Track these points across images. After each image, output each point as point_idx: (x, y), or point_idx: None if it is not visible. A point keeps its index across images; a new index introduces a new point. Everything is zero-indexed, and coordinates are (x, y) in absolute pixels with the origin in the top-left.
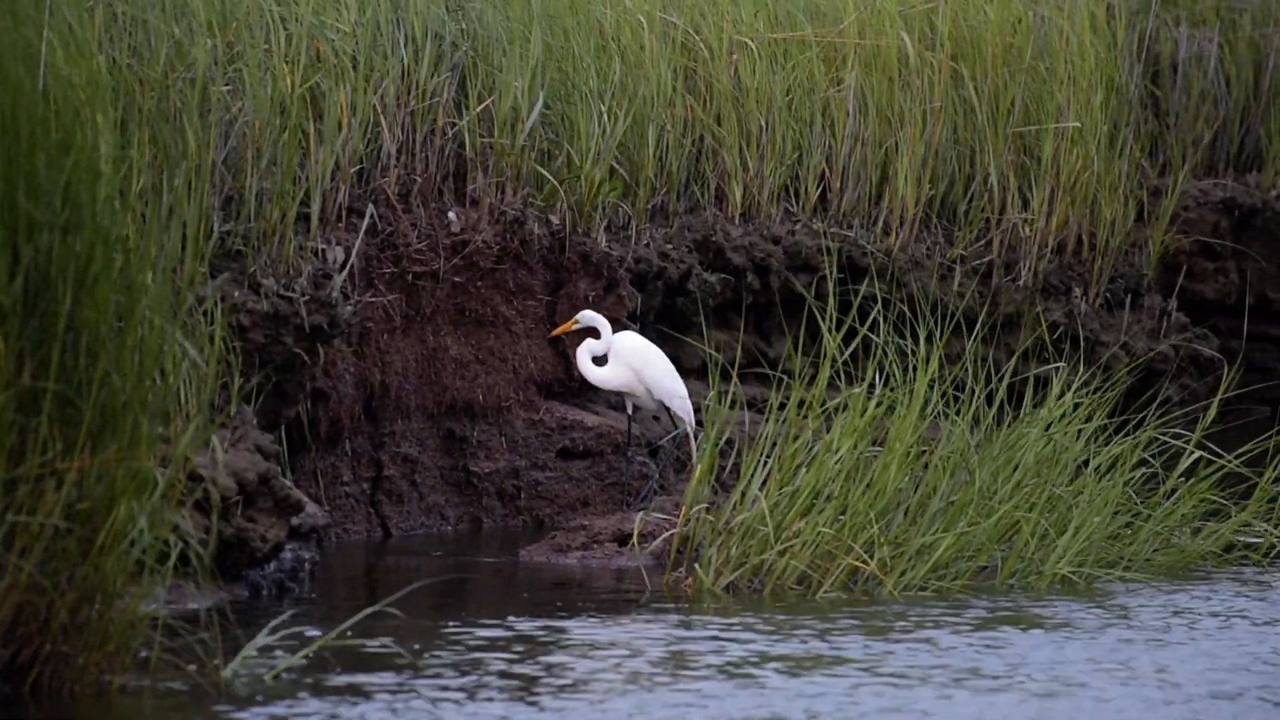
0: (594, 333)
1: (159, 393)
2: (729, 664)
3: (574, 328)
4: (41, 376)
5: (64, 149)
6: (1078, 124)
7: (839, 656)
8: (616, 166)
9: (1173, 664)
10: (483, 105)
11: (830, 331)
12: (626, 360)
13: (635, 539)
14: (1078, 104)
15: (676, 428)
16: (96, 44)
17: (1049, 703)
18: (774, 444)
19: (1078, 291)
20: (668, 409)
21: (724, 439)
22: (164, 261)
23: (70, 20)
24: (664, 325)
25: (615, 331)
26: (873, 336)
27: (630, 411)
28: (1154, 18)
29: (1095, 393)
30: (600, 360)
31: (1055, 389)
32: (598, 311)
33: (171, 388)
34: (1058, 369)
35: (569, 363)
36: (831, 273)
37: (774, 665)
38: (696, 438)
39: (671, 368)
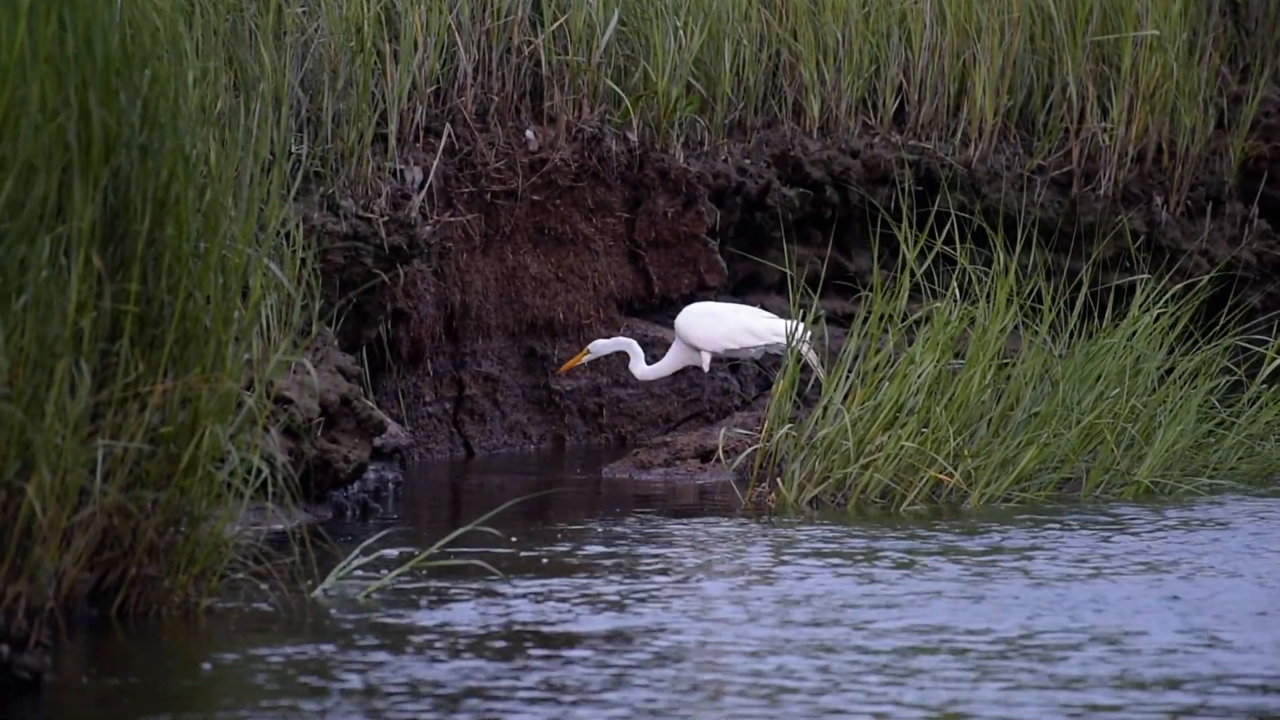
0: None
1: (242, 315)
2: (828, 563)
3: (585, 359)
4: (122, 300)
5: (142, 68)
6: (1156, 32)
7: (954, 547)
8: (693, 82)
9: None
10: (558, 23)
11: (907, 245)
12: (680, 334)
13: (720, 454)
14: (1156, 11)
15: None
16: None
17: (1183, 585)
18: (856, 358)
19: (1158, 200)
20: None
21: (805, 354)
22: (245, 183)
23: None
24: (743, 241)
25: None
26: (950, 251)
27: (707, 368)
28: None
29: (1176, 301)
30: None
31: (1137, 298)
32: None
33: (254, 310)
34: (1140, 278)
35: (649, 279)
36: (915, 187)
37: (885, 560)
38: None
39: (729, 310)
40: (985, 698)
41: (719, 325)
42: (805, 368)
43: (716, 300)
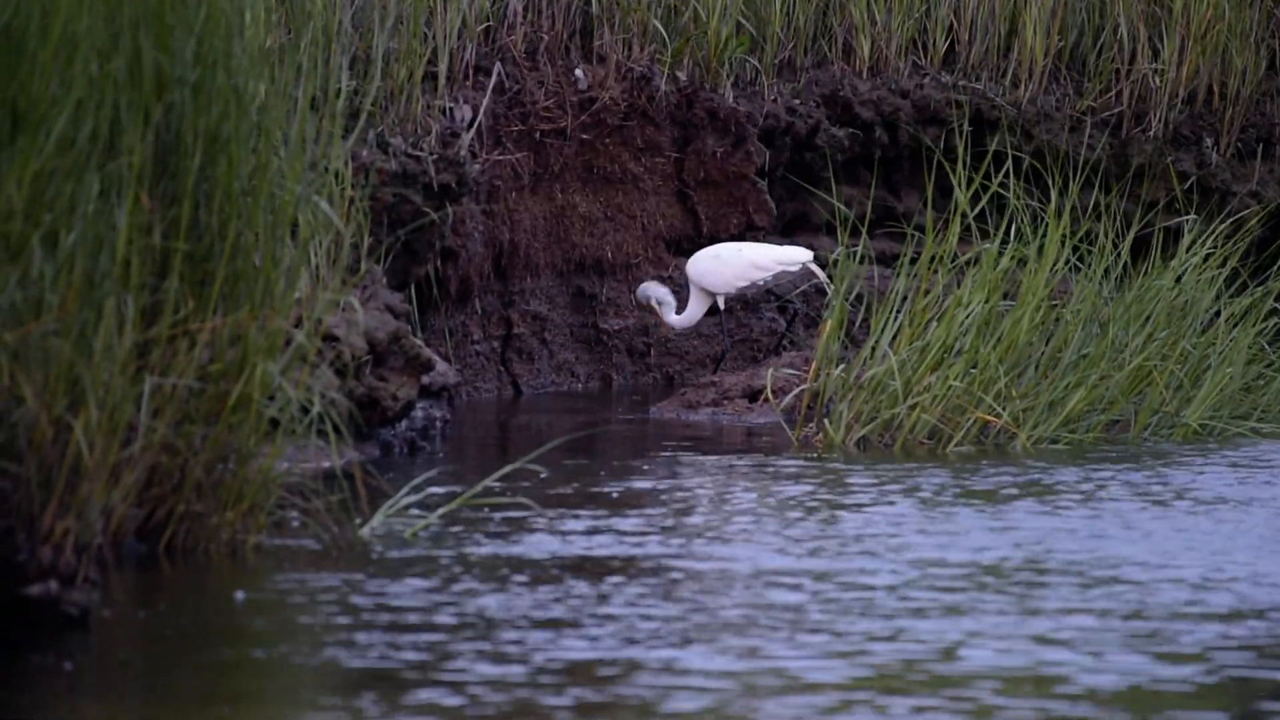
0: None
1: (292, 253)
2: (875, 498)
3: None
4: (172, 236)
5: (197, 4)
6: None
7: (1031, 484)
8: (743, 22)
9: None
10: None
11: (960, 186)
12: (691, 280)
13: (768, 393)
14: None
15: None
16: None
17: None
18: (904, 299)
19: (1209, 142)
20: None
21: (854, 294)
22: (296, 121)
23: None
24: (791, 181)
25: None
26: (1002, 191)
27: (724, 306)
28: None
29: (1225, 243)
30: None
31: (1185, 239)
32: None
33: (305, 247)
34: (1189, 220)
35: (698, 219)
36: (962, 127)
37: (962, 499)
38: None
39: (733, 250)
40: (1037, 628)
41: (725, 268)
42: (853, 308)
43: (765, 240)
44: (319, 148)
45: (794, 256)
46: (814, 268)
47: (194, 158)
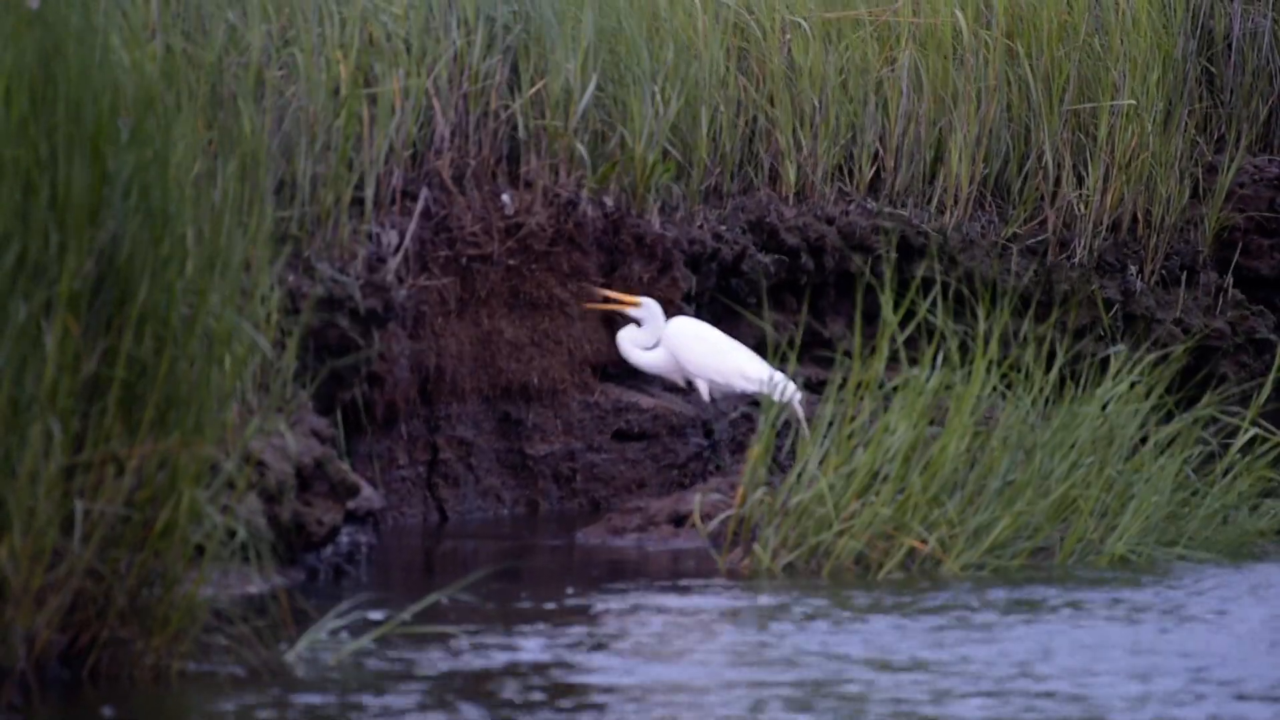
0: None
1: (223, 379)
2: (800, 626)
3: (629, 309)
4: (107, 363)
5: (131, 135)
6: (1133, 101)
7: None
8: (669, 148)
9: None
10: (535, 88)
11: (888, 310)
12: (666, 344)
13: (696, 518)
14: (1133, 81)
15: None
16: (151, 29)
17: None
18: (831, 424)
19: (1133, 269)
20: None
21: (780, 420)
22: (234, 247)
23: (125, 4)
24: (719, 307)
25: (670, 317)
26: (930, 318)
27: (708, 397)
28: None
29: (1151, 371)
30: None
31: (1112, 367)
32: (650, 292)
33: (236, 374)
34: (1116, 350)
35: None
36: (890, 254)
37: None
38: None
39: (728, 345)
40: None
41: (712, 357)
42: (780, 433)
43: None
44: (251, 275)
45: (785, 385)
46: (798, 407)
47: (139, 285)
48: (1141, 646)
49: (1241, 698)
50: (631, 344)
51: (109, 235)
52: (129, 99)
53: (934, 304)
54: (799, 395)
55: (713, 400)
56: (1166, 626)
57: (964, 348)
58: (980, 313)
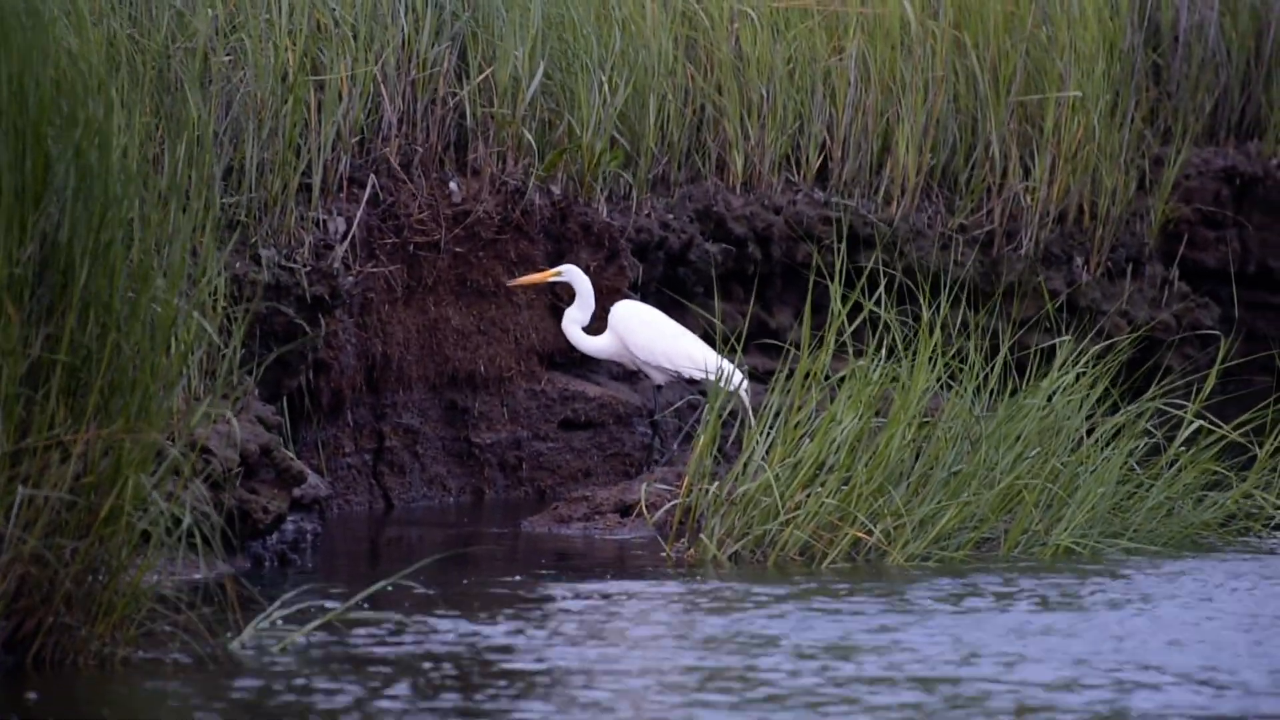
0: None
1: (168, 365)
2: (744, 615)
3: (551, 279)
4: (51, 348)
5: (73, 119)
6: (1079, 93)
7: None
8: (617, 136)
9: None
10: (483, 75)
11: (836, 301)
12: (613, 328)
13: (643, 508)
14: (1080, 72)
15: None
16: (97, 14)
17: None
18: (777, 415)
19: (1079, 260)
20: (681, 373)
21: (726, 410)
22: (179, 233)
23: None
24: (665, 296)
25: (616, 301)
26: (876, 310)
27: (655, 383)
28: None
29: (1097, 362)
30: (589, 329)
31: (1057, 359)
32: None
33: (181, 360)
34: (1062, 342)
35: None
36: (837, 244)
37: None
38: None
39: (675, 331)
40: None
41: (660, 341)
42: (726, 423)
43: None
44: (197, 261)
45: (733, 373)
46: (744, 396)
47: (80, 270)
48: (1077, 635)
49: (1174, 685)
50: (574, 324)
51: (51, 220)
52: (72, 83)
53: (882, 295)
54: (746, 384)
55: (659, 389)
56: (1106, 618)
57: (911, 338)
58: (925, 303)
